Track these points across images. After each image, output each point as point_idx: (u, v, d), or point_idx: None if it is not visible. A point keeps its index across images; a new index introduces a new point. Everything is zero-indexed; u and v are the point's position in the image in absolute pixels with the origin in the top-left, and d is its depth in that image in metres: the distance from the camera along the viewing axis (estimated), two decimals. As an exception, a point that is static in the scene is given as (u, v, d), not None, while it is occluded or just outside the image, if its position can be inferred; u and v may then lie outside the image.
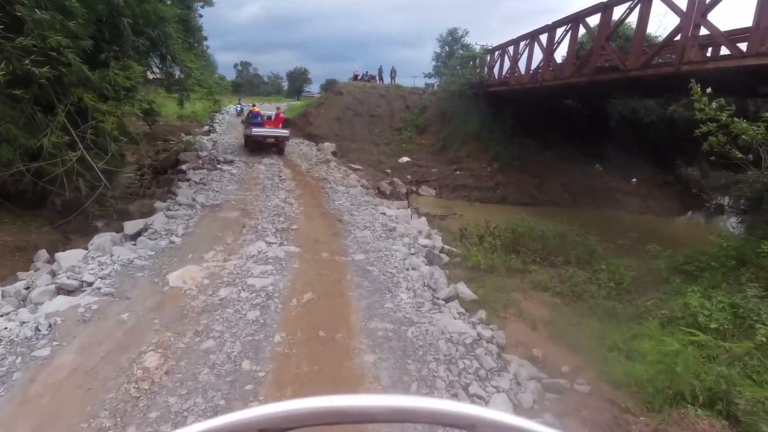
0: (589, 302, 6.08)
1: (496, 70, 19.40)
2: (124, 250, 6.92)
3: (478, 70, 20.65)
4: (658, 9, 10.24)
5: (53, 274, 6.22)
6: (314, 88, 58.45)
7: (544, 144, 20.04)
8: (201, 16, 16.57)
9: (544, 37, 15.14)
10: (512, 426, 0.53)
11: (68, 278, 5.92)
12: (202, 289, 5.55)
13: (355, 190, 12.33)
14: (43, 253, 7.78)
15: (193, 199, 10.34)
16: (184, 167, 15.24)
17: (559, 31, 14.50)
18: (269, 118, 17.72)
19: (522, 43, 16.66)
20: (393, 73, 30.30)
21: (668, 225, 16.69)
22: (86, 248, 7.43)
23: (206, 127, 27.16)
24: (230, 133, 24.65)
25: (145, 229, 8.06)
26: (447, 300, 5.66)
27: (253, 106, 20.57)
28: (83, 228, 9.93)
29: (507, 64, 18.30)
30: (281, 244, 7.55)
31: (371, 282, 6.04)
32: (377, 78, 29.90)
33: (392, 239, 8.02)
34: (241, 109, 31.09)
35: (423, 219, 9.91)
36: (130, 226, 8.16)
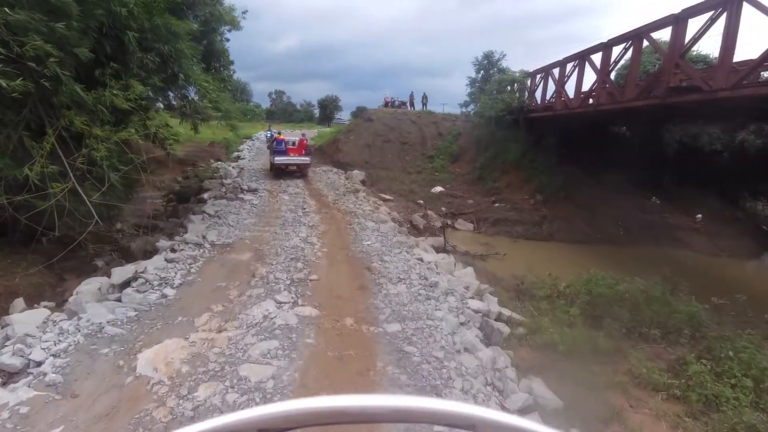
0: (728, 415, 4.09)
1: (538, 95, 17.68)
2: (100, 310, 5.41)
3: (517, 94, 18.95)
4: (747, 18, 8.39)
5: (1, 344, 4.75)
6: (345, 116, 58.10)
7: (591, 174, 17.99)
8: (228, 40, 15.67)
9: (597, 57, 13.35)
10: (512, 426, 0.52)
11: (12, 354, 4.43)
12: (175, 385, 3.91)
13: (387, 227, 10.65)
14: (19, 303, 6.42)
15: (204, 237, 8.91)
16: (205, 196, 14.11)
17: (616, 49, 12.71)
18: (293, 144, 17.48)
19: (570, 65, 14.91)
20: (424, 99, 29.02)
21: (755, 272, 14.17)
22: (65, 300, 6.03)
23: (235, 154, 26.45)
24: (258, 159, 23.68)
25: (135, 277, 6.58)
26: (522, 412, 3.81)
27: (279, 133, 19.91)
28: (83, 266, 8.68)
29: (551, 87, 16.50)
30: (295, 304, 5.90)
31: (411, 375, 4.26)
32: (408, 104, 28.64)
33: (434, 299, 6.22)
34: (272, 136, 30.32)
35: (469, 270, 8.09)
36: (118, 274, 6.70)
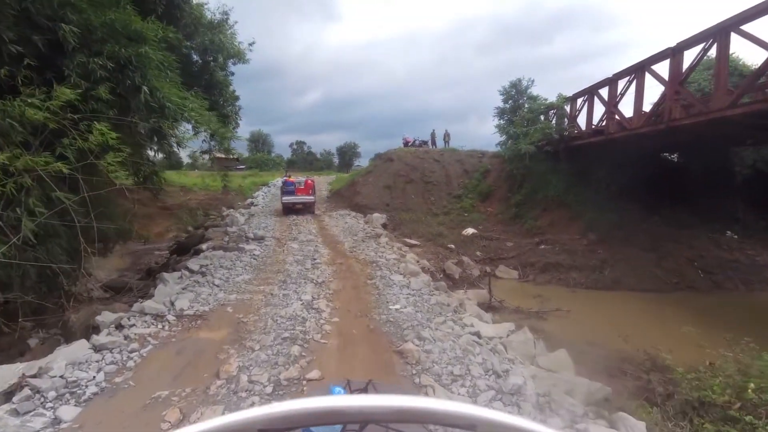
0: None
1: (581, 121, 15.07)
2: None
3: (553, 122, 16.40)
4: None
5: None
6: (363, 162, 56.53)
7: (648, 208, 14.96)
8: (232, 74, 13.79)
9: (661, 66, 10.82)
10: (512, 426, 0.51)
11: None
12: None
13: (419, 281, 7.84)
14: None
15: (171, 304, 6.28)
16: (204, 246, 11.69)
17: (688, 54, 10.18)
18: (300, 185, 18.20)
19: (623, 81, 12.38)
20: (446, 137, 26.78)
21: None
22: None
23: (249, 200, 24.44)
24: (272, 205, 21.46)
25: (20, 384, 3.91)
26: None
27: (289, 176, 20.78)
28: (10, 347, 6.14)
29: (599, 110, 13.92)
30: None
31: None
32: (430, 143, 26.44)
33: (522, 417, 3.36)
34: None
35: (562, 353, 5.00)
36: (3, 376, 4.05)
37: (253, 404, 3.68)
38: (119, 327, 5.46)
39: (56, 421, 3.52)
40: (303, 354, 4.72)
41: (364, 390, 1.21)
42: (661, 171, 16.14)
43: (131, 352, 4.74)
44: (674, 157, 17.68)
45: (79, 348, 4.62)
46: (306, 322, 5.65)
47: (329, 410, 0.54)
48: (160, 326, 5.54)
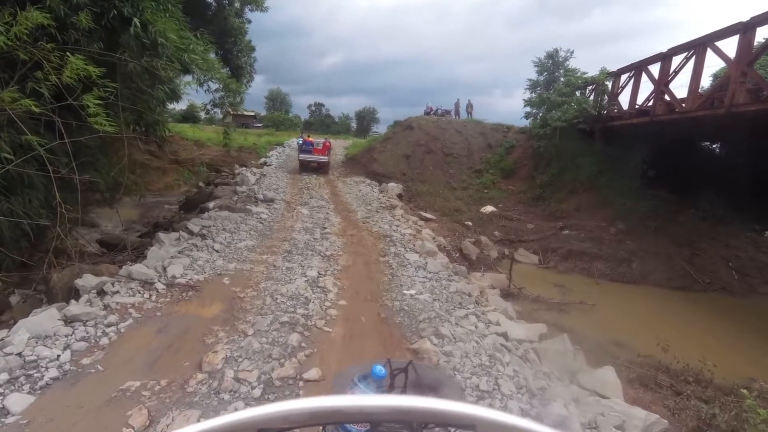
0: None
1: (624, 100, 13.72)
2: None
3: (591, 99, 15.00)
4: None
5: None
6: (382, 128, 54.84)
7: (684, 200, 13.79)
8: (249, 21, 12.66)
9: (727, 43, 9.47)
10: (512, 426, 0.50)
11: None
12: None
13: (436, 263, 7.06)
14: None
15: (162, 270, 5.64)
16: (210, 205, 11.06)
17: (762, 31, 8.83)
18: (318, 145, 18.94)
19: (678, 57, 11.00)
20: (469, 108, 25.21)
21: None
22: None
23: (262, 160, 23.64)
24: (285, 166, 20.64)
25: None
26: None
27: (308, 136, 20.86)
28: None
29: (646, 88, 12.57)
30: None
31: None
32: (453, 113, 25.03)
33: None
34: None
35: (609, 371, 4.09)
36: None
37: (236, 410, 3.01)
38: (101, 293, 4.84)
39: (2, 412, 2.90)
40: (302, 345, 4.03)
41: (404, 371, 1.17)
42: (703, 161, 14.84)
43: (108, 326, 4.11)
44: (716, 147, 16.24)
45: (48, 318, 3.99)
46: (309, 303, 4.95)
47: (329, 410, 0.53)
48: (146, 295, 4.90)
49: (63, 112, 4.87)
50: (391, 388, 1.14)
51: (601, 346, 7.11)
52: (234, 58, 11.93)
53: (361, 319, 4.80)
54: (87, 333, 3.95)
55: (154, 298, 4.91)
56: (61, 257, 6.15)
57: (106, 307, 4.51)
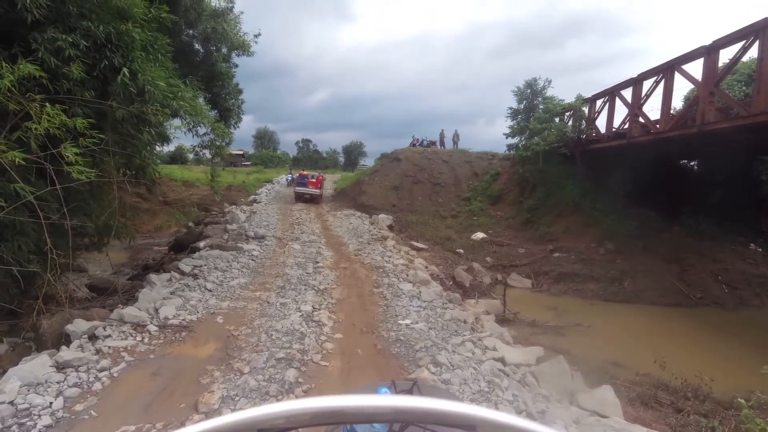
0: None
1: (600, 123, 14.28)
2: None
3: (570, 124, 15.59)
4: None
5: None
6: (369, 162, 55.68)
7: (668, 217, 14.15)
8: (236, 66, 13.09)
9: (693, 66, 10.07)
10: (512, 426, 0.50)
11: None
12: None
13: (430, 291, 7.10)
14: None
15: (155, 311, 5.59)
16: (201, 244, 11.04)
17: (725, 53, 9.44)
18: (312, 178, 21.16)
19: (648, 81, 11.59)
20: (455, 138, 25.87)
21: None
22: None
23: (252, 197, 23.75)
24: (275, 203, 20.74)
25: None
26: None
27: (303, 170, 24.44)
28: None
29: (620, 112, 13.14)
30: None
31: None
32: (438, 143, 25.64)
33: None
34: (292, 179, 27.86)
35: (608, 390, 4.09)
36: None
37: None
38: (92, 338, 4.77)
39: (-8, 464, 2.83)
40: (300, 380, 4.01)
41: (409, 392, 1.18)
42: (682, 178, 15.35)
43: (100, 371, 4.05)
44: (694, 164, 16.83)
45: (39, 365, 3.92)
46: (305, 338, 4.94)
47: (329, 410, 0.53)
48: (138, 338, 4.84)
49: (54, 159, 4.96)
50: None
51: (599, 366, 7.12)
52: (222, 100, 12.22)
53: (358, 351, 4.79)
54: (79, 379, 3.88)
55: (146, 340, 4.85)
56: (50, 303, 6.07)
57: (98, 351, 4.44)
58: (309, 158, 71.27)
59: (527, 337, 8.08)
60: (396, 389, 1.20)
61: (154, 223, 20.69)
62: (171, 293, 6.36)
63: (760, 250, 13.56)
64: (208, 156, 8.24)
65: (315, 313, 5.81)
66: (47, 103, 4.41)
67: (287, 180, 28.06)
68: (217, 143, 7.51)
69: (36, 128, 4.23)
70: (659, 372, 6.76)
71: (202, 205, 23.04)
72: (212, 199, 23.92)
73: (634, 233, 13.40)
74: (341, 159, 66.42)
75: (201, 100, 11.24)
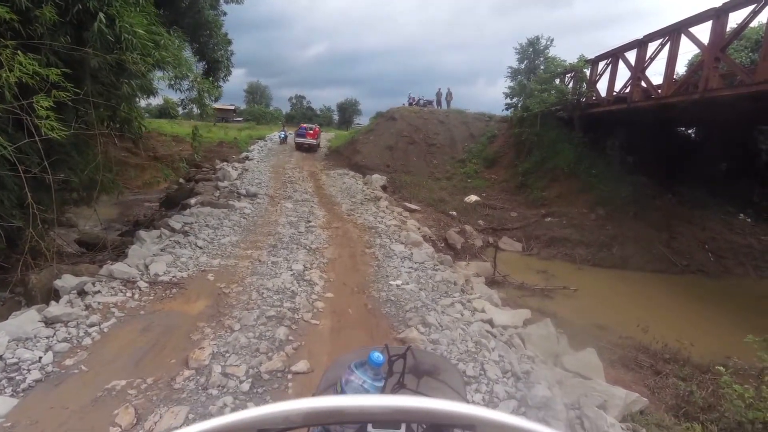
0: None
1: (601, 87, 13.94)
2: None
3: (570, 85, 15.22)
4: None
5: None
6: (364, 120, 54.61)
7: (661, 184, 14.17)
8: (225, 13, 12.39)
9: (701, 29, 9.71)
10: (512, 426, 0.50)
11: None
12: None
13: (421, 253, 7.14)
14: None
15: (144, 268, 5.55)
16: (192, 201, 10.92)
17: (734, 17, 9.09)
18: (309, 129, 24.16)
19: (654, 44, 11.22)
20: (448, 97, 25.07)
21: None
22: None
23: (244, 154, 23.32)
24: (268, 160, 20.41)
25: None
26: None
27: (302, 123, 28.43)
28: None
29: (623, 75, 12.81)
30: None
31: None
32: (435, 103, 25.02)
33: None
34: (285, 137, 27.28)
35: (591, 353, 4.19)
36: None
37: (225, 405, 3.01)
38: (81, 294, 4.75)
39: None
40: (290, 338, 4.05)
41: (402, 356, 1.16)
42: (678, 147, 15.23)
43: (90, 326, 4.05)
44: (691, 132, 16.67)
45: (27, 320, 3.91)
46: (296, 296, 4.96)
47: (329, 410, 0.53)
48: (128, 294, 4.83)
49: (34, 111, 4.72)
50: (389, 374, 1.09)
51: (583, 329, 7.30)
52: (210, 51, 11.65)
53: (348, 311, 4.83)
54: (69, 334, 3.89)
55: (137, 296, 4.85)
56: (39, 258, 6.01)
57: (87, 307, 4.43)
58: (302, 115, 69.62)
59: (515, 299, 8.24)
60: (389, 353, 1.17)
61: (143, 179, 20.33)
62: (161, 250, 6.31)
63: (749, 220, 13.72)
64: (197, 111, 7.91)
65: (306, 272, 5.82)
66: (19, 50, 4.11)
67: (280, 137, 27.47)
68: (203, 99, 7.18)
69: (8, 77, 3.97)
70: (641, 336, 6.99)
71: (192, 161, 22.66)
72: (203, 155, 23.52)
73: (627, 200, 13.44)
74: (335, 116, 65.01)
75: (187, 51, 10.73)
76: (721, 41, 9.15)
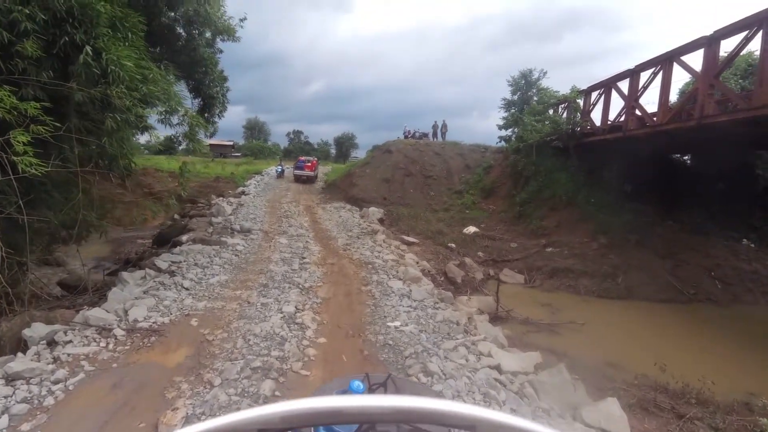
0: None
1: (595, 116, 13.95)
2: None
3: (564, 116, 15.26)
4: None
5: None
6: (361, 154, 55.30)
7: (661, 211, 13.94)
8: (221, 51, 12.48)
9: (692, 58, 9.75)
10: (512, 426, 0.50)
11: None
12: None
13: (421, 290, 6.75)
14: None
15: (124, 313, 5.15)
16: (184, 238, 10.61)
17: (725, 44, 9.12)
18: (307, 162, 25.39)
19: (645, 73, 11.26)
20: (444, 128, 25.19)
21: None
22: None
23: (240, 189, 23.17)
24: (264, 195, 20.21)
25: None
26: None
27: (301, 156, 30.02)
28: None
29: (616, 104, 12.83)
30: None
31: None
32: (431, 135, 25.13)
33: None
34: (282, 171, 27.28)
35: (613, 404, 3.71)
36: None
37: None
38: (51, 344, 4.33)
39: None
40: (276, 393, 3.62)
41: (383, 385, 1.14)
42: (675, 173, 15.13)
43: (54, 383, 3.62)
44: (687, 158, 16.62)
45: (-17, 379, 3.49)
46: (285, 343, 4.54)
47: (329, 410, 0.53)
48: (103, 344, 4.41)
49: (11, 147, 4.46)
50: None
51: (596, 368, 6.84)
52: (206, 88, 11.62)
53: (342, 357, 4.42)
54: (30, 393, 3.46)
55: (111, 346, 4.42)
56: (15, 304, 5.62)
57: (55, 359, 4.01)
58: (300, 149, 70.35)
59: (521, 336, 7.79)
60: (369, 382, 1.17)
61: (136, 215, 20.06)
62: (144, 292, 5.92)
63: (752, 245, 13.41)
64: (190, 147, 7.69)
65: (298, 314, 5.41)
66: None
67: (277, 171, 27.44)
68: (194, 134, 6.97)
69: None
70: (657, 373, 6.53)
71: (188, 196, 22.48)
72: (199, 190, 23.37)
73: (628, 228, 13.15)
74: (333, 150, 65.68)
75: (182, 87, 10.68)
76: (714, 68, 9.14)
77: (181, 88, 10.91)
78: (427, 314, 5.70)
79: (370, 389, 1.12)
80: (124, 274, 6.43)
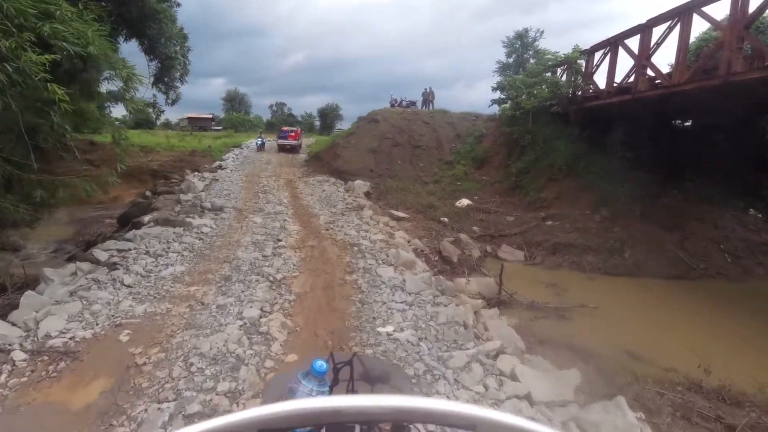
0: None
1: (600, 80, 12.62)
2: None
3: (564, 79, 13.92)
4: None
5: None
6: (346, 125, 53.30)
7: (667, 180, 12.93)
8: (178, 5, 10.69)
9: (714, 8, 8.41)
10: (512, 426, 0.49)
11: None
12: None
13: (416, 279, 5.58)
14: None
15: (36, 324, 3.87)
16: (146, 218, 9.28)
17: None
18: (291, 132, 25.36)
19: (659, 27, 9.93)
20: (431, 96, 23.57)
21: None
22: None
23: (217, 163, 21.49)
24: (242, 169, 18.66)
25: None
26: None
27: (284, 127, 29.39)
28: None
29: (624, 64, 11.53)
30: None
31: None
32: (420, 104, 23.51)
33: None
34: (263, 143, 25.61)
35: None
36: None
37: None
38: None
39: None
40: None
41: (348, 364, 1.12)
42: (680, 140, 14.05)
43: None
44: (693, 124, 15.54)
45: None
46: (241, 367, 3.34)
47: (329, 410, 0.52)
48: (-9, 374, 3.16)
49: None
50: (335, 382, 1.11)
51: (616, 361, 5.87)
52: (161, 47, 9.93)
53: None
54: None
55: (4, 377, 3.18)
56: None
57: None
58: (283, 122, 67.69)
59: (529, 324, 6.77)
60: (334, 362, 1.15)
61: (105, 193, 18.39)
62: (70, 294, 4.62)
63: (760, 215, 12.55)
64: (130, 110, 6.17)
65: (263, 319, 4.20)
66: None
67: (257, 144, 25.70)
68: (128, 92, 5.47)
69: None
70: (685, 366, 5.62)
71: (161, 171, 20.82)
72: (173, 165, 21.63)
73: (631, 198, 12.12)
74: (317, 122, 63.33)
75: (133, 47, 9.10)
76: (743, 18, 7.87)
77: (133, 49, 9.29)
78: (426, 313, 4.54)
79: (335, 369, 1.11)
80: (47, 270, 5.08)
